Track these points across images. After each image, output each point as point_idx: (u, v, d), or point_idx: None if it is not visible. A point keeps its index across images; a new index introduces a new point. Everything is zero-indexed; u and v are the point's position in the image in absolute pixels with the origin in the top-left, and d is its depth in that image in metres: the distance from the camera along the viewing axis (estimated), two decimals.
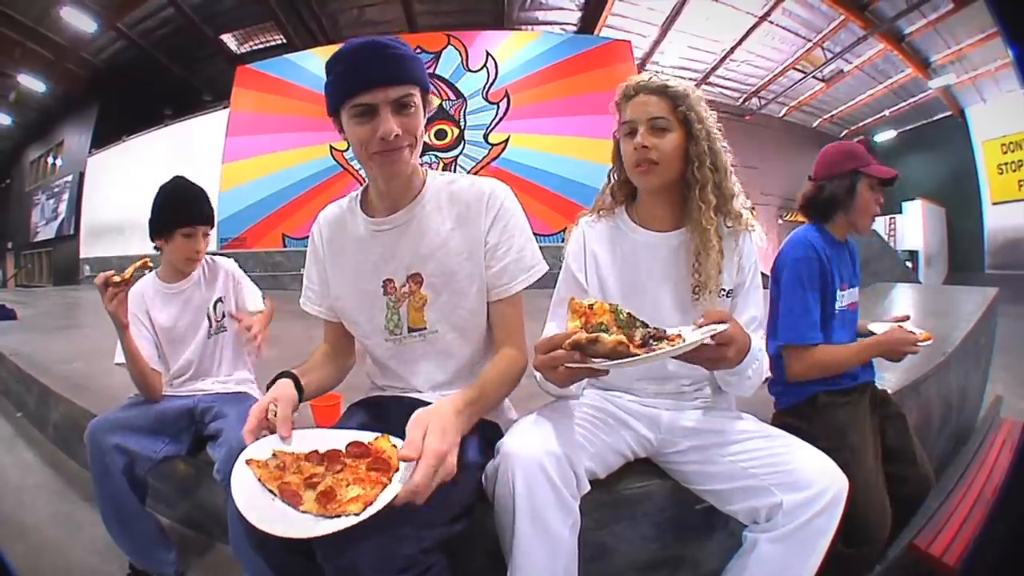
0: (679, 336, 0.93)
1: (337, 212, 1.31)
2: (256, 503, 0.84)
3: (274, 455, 0.94)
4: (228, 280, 1.88)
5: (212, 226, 1.83)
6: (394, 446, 0.91)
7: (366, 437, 0.96)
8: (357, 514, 0.79)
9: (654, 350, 0.89)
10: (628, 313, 0.95)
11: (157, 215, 1.76)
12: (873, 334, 1.63)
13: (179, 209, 1.75)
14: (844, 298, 1.67)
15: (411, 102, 1.08)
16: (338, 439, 0.97)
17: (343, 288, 1.27)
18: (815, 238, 1.64)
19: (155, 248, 1.82)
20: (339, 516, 0.80)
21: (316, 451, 0.94)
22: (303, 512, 0.83)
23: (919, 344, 1.53)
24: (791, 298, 1.58)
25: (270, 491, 0.86)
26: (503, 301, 1.21)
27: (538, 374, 1.04)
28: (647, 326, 0.95)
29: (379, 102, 1.05)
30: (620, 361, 0.88)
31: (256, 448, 0.96)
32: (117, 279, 1.52)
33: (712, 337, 0.93)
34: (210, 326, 1.84)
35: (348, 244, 1.27)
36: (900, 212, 15.25)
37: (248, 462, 0.92)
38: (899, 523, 1.56)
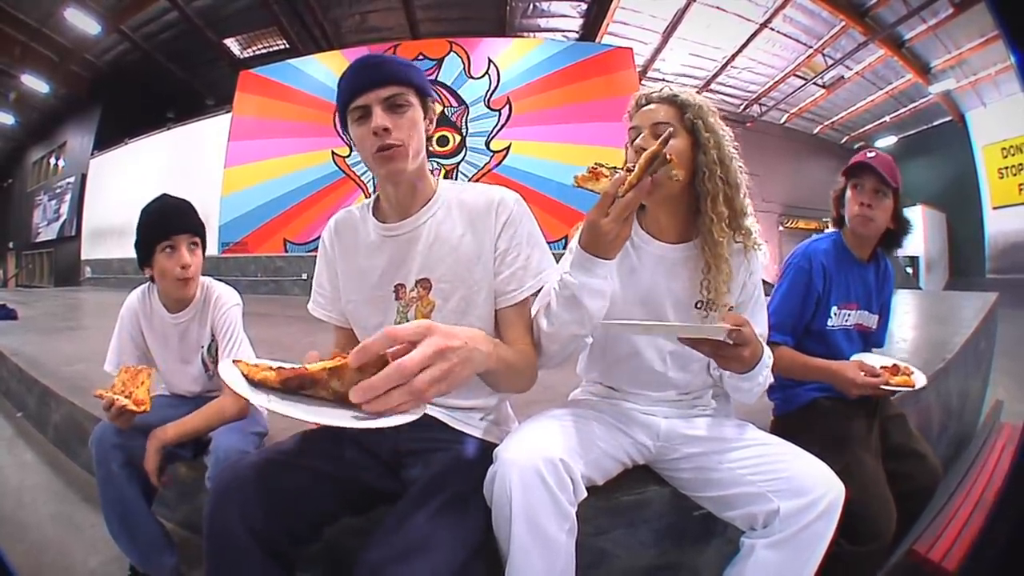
0: None
1: (348, 218, 1.32)
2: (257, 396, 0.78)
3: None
4: (217, 319, 1.69)
5: (198, 235, 1.66)
6: None
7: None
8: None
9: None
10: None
11: (136, 239, 1.62)
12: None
13: (153, 224, 1.61)
14: (848, 317, 1.68)
15: (403, 101, 1.13)
16: None
17: (354, 292, 1.28)
18: (820, 251, 1.67)
19: (150, 280, 1.69)
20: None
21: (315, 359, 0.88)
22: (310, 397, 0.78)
23: (883, 388, 1.47)
24: (775, 294, 1.66)
25: (259, 384, 0.80)
26: (512, 308, 1.19)
27: (570, 276, 1.01)
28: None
29: (371, 102, 1.11)
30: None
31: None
32: (133, 408, 1.38)
33: (730, 335, 0.97)
34: (207, 370, 1.74)
35: (359, 249, 1.27)
36: None
37: (235, 362, 0.86)
38: (910, 520, 1.56)
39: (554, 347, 1.13)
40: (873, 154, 1.65)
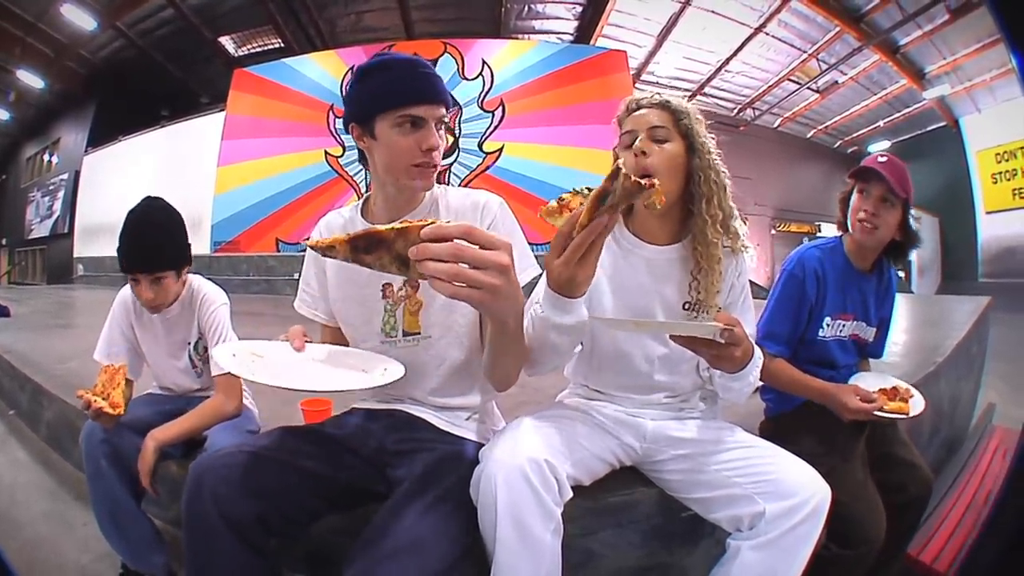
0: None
1: (339, 219, 1.34)
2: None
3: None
4: (205, 319, 1.70)
5: (161, 270, 1.58)
6: None
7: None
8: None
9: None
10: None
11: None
12: None
13: (120, 252, 1.57)
14: (843, 328, 1.63)
15: (446, 121, 1.19)
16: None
17: (342, 291, 1.29)
18: (813, 257, 1.60)
19: None
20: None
21: None
22: None
23: (877, 414, 1.41)
24: (769, 302, 1.63)
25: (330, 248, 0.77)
26: None
27: (539, 307, 0.96)
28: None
29: (429, 117, 1.13)
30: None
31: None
32: (109, 411, 1.38)
33: (721, 334, 0.97)
34: (194, 366, 1.75)
35: None
36: None
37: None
38: (905, 531, 1.56)
39: (540, 359, 1.10)
40: (884, 159, 1.54)
